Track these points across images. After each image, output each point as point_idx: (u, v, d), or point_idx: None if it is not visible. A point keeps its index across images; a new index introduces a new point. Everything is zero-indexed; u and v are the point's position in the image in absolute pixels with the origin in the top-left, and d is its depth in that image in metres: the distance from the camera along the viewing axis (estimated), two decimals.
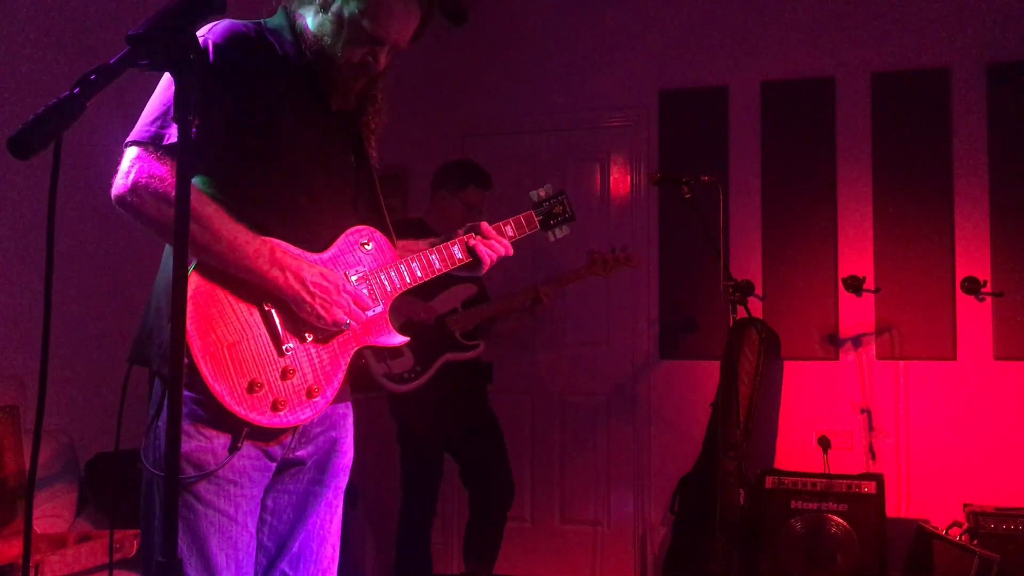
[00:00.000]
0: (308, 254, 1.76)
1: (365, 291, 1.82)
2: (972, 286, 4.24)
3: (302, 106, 1.79)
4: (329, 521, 1.87)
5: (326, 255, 1.80)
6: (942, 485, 4.27)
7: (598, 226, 4.85)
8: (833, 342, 4.50)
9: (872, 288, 4.43)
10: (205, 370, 1.59)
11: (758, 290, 4.54)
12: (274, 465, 1.75)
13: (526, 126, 5.06)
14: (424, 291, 2.95)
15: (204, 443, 1.63)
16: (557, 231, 2.27)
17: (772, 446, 4.54)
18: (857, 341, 4.47)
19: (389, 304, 1.88)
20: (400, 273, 1.90)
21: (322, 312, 1.70)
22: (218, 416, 1.63)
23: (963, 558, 3.59)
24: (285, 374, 1.68)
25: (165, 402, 1.62)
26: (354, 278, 1.82)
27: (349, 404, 1.92)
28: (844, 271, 4.48)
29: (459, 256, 2.00)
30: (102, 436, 3.30)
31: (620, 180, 4.95)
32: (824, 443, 4.31)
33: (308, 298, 1.69)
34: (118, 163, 1.63)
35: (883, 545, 3.92)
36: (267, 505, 1.79)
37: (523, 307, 3.85)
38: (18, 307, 3.13)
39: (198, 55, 1.23)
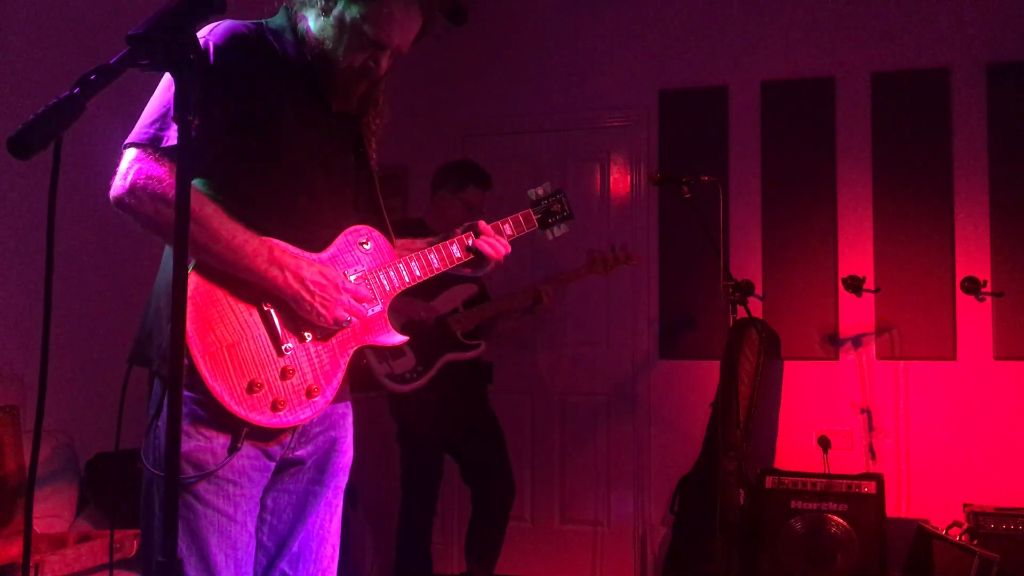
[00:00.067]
0: (307, 253, 1.76)
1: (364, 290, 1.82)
2: (972, 286, 4.24)
3: (302, 106, 1.79)
4: (329, 521, 1.87)
5: (325, 254, 1.80)
6: (942, 485, 4.27)
7: (598, 226, 4.85)
8: (833, 342, 4.50)
9: (872, 288, 4.43)
10: (205, 370, 1.59)
11: (758, 290, 4.54)
12: (273, 465, 1.75)
13: (526, 126, 5.05)
14: (425, 291, 2.95)
15: (204, 443, 1.63)
16: (555, 229, 2.27)
17: (772, 446, 4.54)
18: (857, 341, 4.47)
19: (388, 303, 1.88)
20: (399, 272, 1.90)
21: (322, 310, 1.70)
22: (218, 416, 1.63)
23: (963, 558, 3.59)
24: (285, 374, 1.68)
25: (165, 402, 1.62)
26: (353, 277, 1.82)
27: (349, 404, 1.92)
28: (844, 271, 4.48)
29: (458, 255, 2.00)
30: (102, 436, 3.29)
31: (620, 180, 4.95)
32: (824, 443, 4.31)
33: (308, 297, 1.69)
34: (117, 164, 1.64)
35: (883, 545, 3.92)
36: (267, 505, 1.79)
37: (524, 307, 3.85)
38: (18, 307, 3.13)
39: (198, 55, 1.23)
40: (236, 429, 1.64)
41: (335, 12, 1.75)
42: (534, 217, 2.22)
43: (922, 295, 4.39)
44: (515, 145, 5.06)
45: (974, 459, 4.26)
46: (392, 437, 3.88)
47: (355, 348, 1.81)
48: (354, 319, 1.78)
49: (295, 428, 1.75)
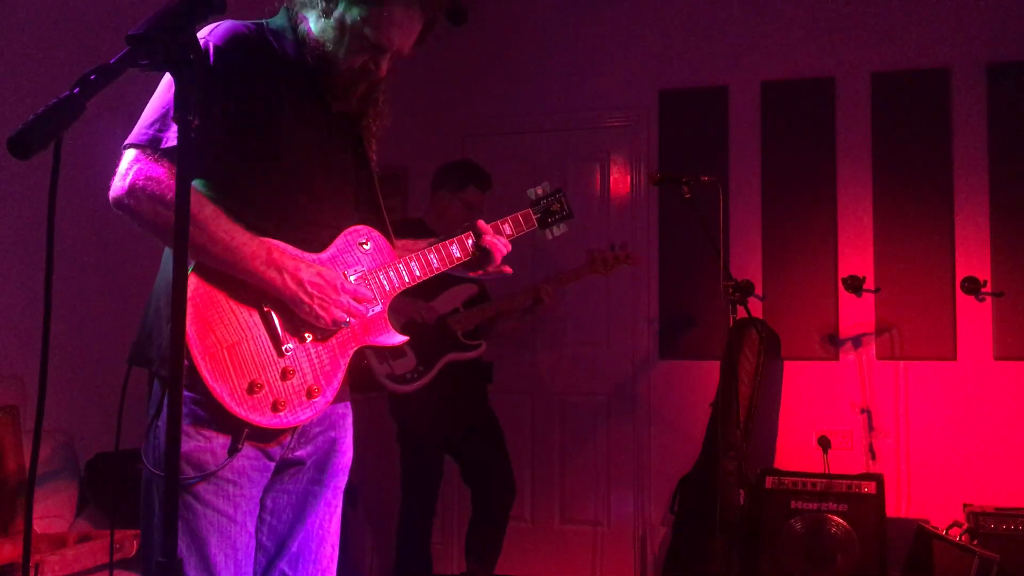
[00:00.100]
0: (306, 254, 1.76)
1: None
2: (972, 286, 4.24)
3: (302, 107, 1.79)
4: (328, 521, 1.87)
5: (324, 255, 1.80)
6: (942, 485, 4.27)
7: (598, 226, 4.85)
8: (833, 342, 4.50)
9: (872, 288, 4.43)
10: (205, 371, 1.59)
11: (758, 290, 4.54)
12: (273, 465, 1.75)
13: (526, 126, 5.05)
14: (425, 291, 2.95)
15: (204, 443, 1.63)
16: (555, 229, 2.27)
17: (772, 446, 4.54)
18: (857, 341, 4.47)
19: (388, 304, 1.88)
20: (399, 272, 1.90)
21: (320, 312, 1.70)
22: (218, 416, 1.63)
23: (963, 558, 3.59)
24: (285, 375, 1.68)
25: (165, 402, 1.63)
26: (352, 278, 1.82)
27: (348, 404, 1.92)
28: (844, 271, 4.48)
29: (457, 255, 2.00)
30: (102, 436, 3.29)
31: (620, 180, 4.95)
32: (824, 443, 4.31)
33: (306, 298, 1.69)
34: (116, 165, 1.64)
35: (883, 545, 3.92)
36: (266, 505, 1.79)
37: (524, 307, 3.85)
38: (18, 307, 3.13)
39: (198, 55, 1.23)
40: (236, 430, 1.65)
41: (336, 14, 1.75)
42: (533, 217, 2.22)
43: (922, 295, 4.39)
44: (515, 145, 5.06)
45: (974, 459, 4.26)
46: (392, 437, 3.88)
47: (355, 348, 1.81)
48: (353, 320, 1.78)
49: (295, 428, 1.75)
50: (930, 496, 4.29)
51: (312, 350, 1.74)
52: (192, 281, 1.63)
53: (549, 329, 4.89)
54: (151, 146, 1.61)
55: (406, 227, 2.85)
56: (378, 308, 1.85)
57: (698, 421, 4.49)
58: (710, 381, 4.43)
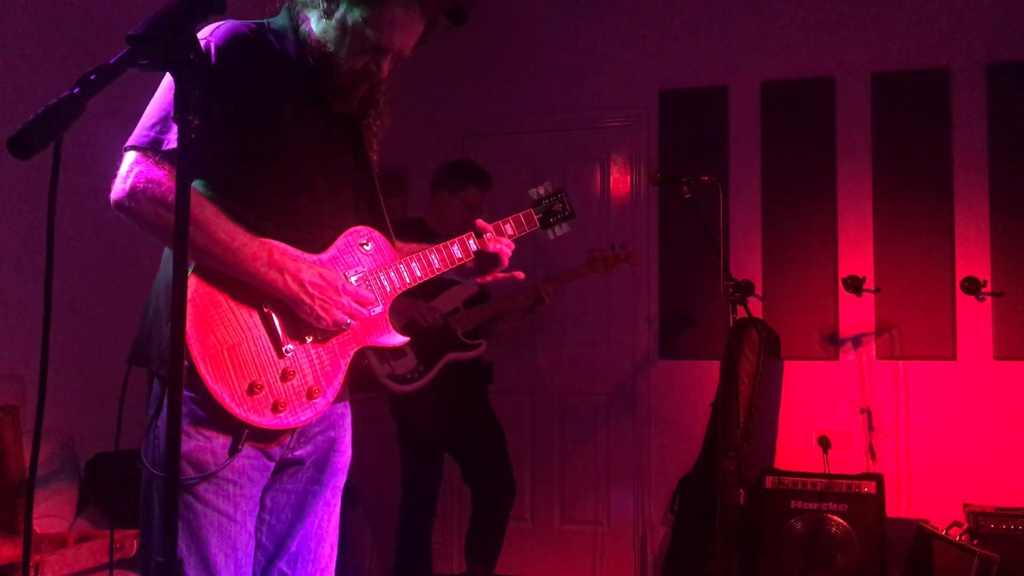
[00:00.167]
0: (307, 255, 1.76)
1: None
2: (972, 286, 4.24)
3: (302, 107, 1.79)
4: (327, 520, 1.87)
5: (325, 256, 1.80)
6: (942, 485, 4.27)
7: (598, 226, 4.85)
8: (833, 342, 4.50)
9: (872, 288, 4.43)
10: (205, 372, 1.59)
11: (758, 290, 4.54)
12: (273, 465, 1.75)
13: (526, 126, 5.05)
14: (426, 291, 2.95)
15: (204, 443, 1.63)
16: (557, 229, 2.26)
17: (772, 446, 4.54)
18: (857, 341, 4.47)
19: (389, 304, 1.88)
20: (399, 273, 1.90)
21: (321, 313, 1.70)
22: (218, 416, 1.63)
23: (963, 558, 3.59)
24: (285, 375, 1.68)
25: (165, 402, 1.63)
26: (353, 279, 1.82)
27: (347, 404, 1.92)
28: (844, 271, 4.48)
29: (459, 255, 1.99)
30: (102, 436, 3.29)
31: (620, 180, 4.95)
32: (824, 443, 4.31)
33: (307, 299, 1.69)
34: (117, 167, 1.63)
35: (883, 545, 3.92)
36: (265, 504, 1.79)
37: (524, 306, 3.85)
38: (18, 307, 3.13)
39: (198, 55, 1.23)
40: (237, 430, 1.65)
41: (337, 15, 1.75)
42: (535, 217, 2.21)
43: (922, 295, 4.39)
44: (515, 145, 5.06)
45: (974, 459, 4.26)
46: (393, 437, 3.88)
47: (356, 349, 1.81)
48: (354, 321, 1.78)
49: (295, 429, 1.75)
50: (930, 496, 4.29)
51: (312, 351, 1.74)
52: (192, 282, 1.63)
53: (549, 329, 4.89)
54: (152, 148, 1.61)
55: (406, 227, 2.85)
56: (379, 309, 1.85)
57: (698, 421, 4.49)
58: (710, 381, 4.43)
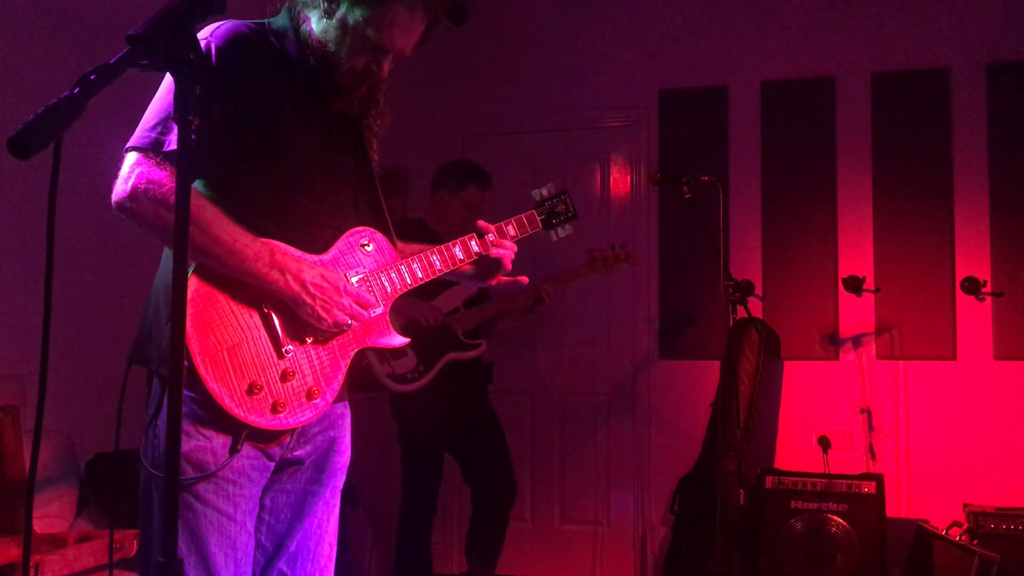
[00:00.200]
0: (308, 256, 1.76)
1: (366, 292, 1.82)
2: (972, 286, 4.24)
3: (303, 107, 1.79)
4: (326, 520, 1.87)
5: (326, 256, 1.80)
6: (942, 485, 4.27)
7: (598, 226, 4.85)
8: (833, 342, 4.50)
9: (872, 288, 4.43)
10: (204, 372, 1.59)
11: (758, 290, 4.54)
12: (273, 465, 1.75)
13: (526, 126, 5.05)
14: (426, 290, 2.95)
15: (204, 443, 1.63)
16: (560, 230, 2.25)
17: (772, 446, 4.54)
18: (857, 341, 4.47)
19: (390, 305, 1.88)
20: (401, 274, 1.90)
21: (322, 314, 1.70)
22: (217, 416, 1.63)
23: (963, 558, 3.59)
24: (285, 376, 1.68)
25: (164, 402, 1.62)
26: (355, 279, 1.82)
27: (347, 404, 1.92)
28: (844, 271, 4.48)
29: (460, 256, 1.99)
30: (102, 436, 3.29)
31: (620, 180, 4.95)
32: (824, 443, 4.31)
33: (308, 300, 1.69)
34: (118, 168, 1.63)
35: (883, 545, 3.92)
36: (265, 504, 1.79)
37: (525, 306, 3.85)
38: (18, 307, 3.13)
39: (198, 55, 1.23)
40: (236, 430, 1.65)
41: (338, 15, 1.75)
42: (538, 218, 2.20)
43: (922, 295, 4.39)
44: (515, 145, 5.06)
45: (974, 459, 4.26)
46: (393, 437, 3.89)
47: (356, 350, 1.81)
48: (354, 323, 1.78)
49: (295, 429, 1.75)
50: (930, 496, 4.29)
51: (312, 352, 1.74)
52: (192, 282, 1.63)
53: (549, 329, 4.89)
54: (153, 149, 1.61)
55: (406, 227, 2.84)
56: (380, 310, 1.85)
57: (698, 421, 4.49)
58: (710, 381, 4.43)
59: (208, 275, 1.65)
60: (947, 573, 3.65)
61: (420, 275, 1.92)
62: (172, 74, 1.22)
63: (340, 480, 1.90)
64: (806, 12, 4.67)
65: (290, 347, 1.70)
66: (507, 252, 2.02)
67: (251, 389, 1.63)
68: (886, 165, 4.50)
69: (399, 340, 1.88)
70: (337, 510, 1.91)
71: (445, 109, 5.11)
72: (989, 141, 4.36)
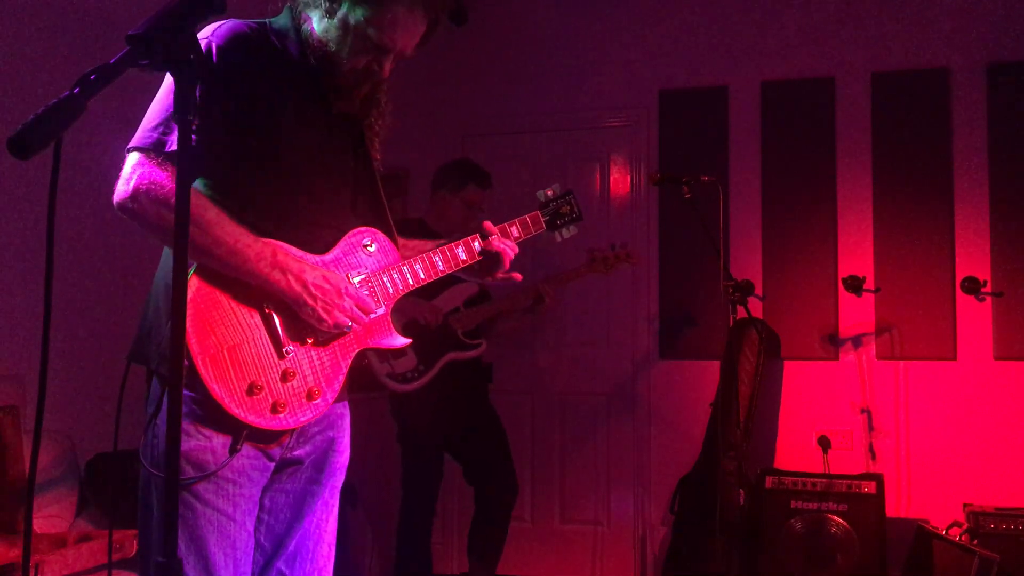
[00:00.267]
0: (310, 256, 1.76)
1: (367, 293, 1.82)
2: (972, 286, 4.24)
3: (303, 107, 1.79)
4: (326, 520, 1.87)
5: (328, 257, 1.80)
6: (942, 485, 4.27)
7: (598, 226, 4.85)
8: (833, 342, 4.50)
9: (872, 288, 4.43)
10: (204, 372, 1.59)
11: (758, 290, 4.54)
12: (273, 465, 1.75)
13: (526, 126, 5.05)
14: (426, 290, 2.94)
15: (203, 442, 1.63)
16: (564, 231, 2.25)
17: (772, 446, 4.54)
18: (857, 341, 4.47)
19: (391, 306, 1.88)
20: (403, 275, 1.90)
21: (323, 315, 1.70)
22: (217, 416, 1.63)
23: (963, 558, 3.59)
24: (285, 376, 1.68)
25: (164, 401, 1.62)
26: (356, 280, 1.82)
27: (346, 403, 1.92)
28: (844, 271, 4.48)
29: (463, 257, 1.99)
30: (102, 436, 3.30)
31: (620, 180, 4.95)
32: (824, 443, 4.31)
33: (310, 300, 1.69)
34: (120, 168, 1.63)
35: (883, 545, 3.92)
36: (264, 504, 1.79)
37: (525, 306, 3.85)
38: (18, 307, 3.13)
39: (198, 55, 1.23)
40: (236, 430, 1.65)
41: (339, 14, 1.75)
42: (542, 219, 2.19)
43: (922, 295, 4.39)
44: (515, 145, 5.06)
45: (974, 459, 4.26)
46: (393, 437, 3.88)
47: (357, 351, 1.81)
48: (355, 324, 1.78)
49: (295, 429, 1.75)
50: (930, 496, 4.29)
51: (313, 352, 1.74)
52: (194, 282, 1.63)
53: (549, 329, 4.89)
54: (155, 149, 1.61)
55: (407, 227, 2.83)
56: (381, 311, 1.85)
57: (698, 421, 4.49)
58: (710, 381, 4.43)
59: (209, 275, 1.65)
60: (947, 573, 3.65)
61: (422, 276, 1.92)
62: (172, 74, 1.22)
63: (339, 480, 1.90)
64: (806, 12, 4.67)
65: (291, 347, 1.70)
66: (508, 249, 2.02)
67: (251, 389, 1.63)
68: (886, 165, 4.50)
69: (401, 341, 1.88)
70: (336, 510, 1.91)
71: (445, 109, 5.11)
72: (989, 141, 4.36)
